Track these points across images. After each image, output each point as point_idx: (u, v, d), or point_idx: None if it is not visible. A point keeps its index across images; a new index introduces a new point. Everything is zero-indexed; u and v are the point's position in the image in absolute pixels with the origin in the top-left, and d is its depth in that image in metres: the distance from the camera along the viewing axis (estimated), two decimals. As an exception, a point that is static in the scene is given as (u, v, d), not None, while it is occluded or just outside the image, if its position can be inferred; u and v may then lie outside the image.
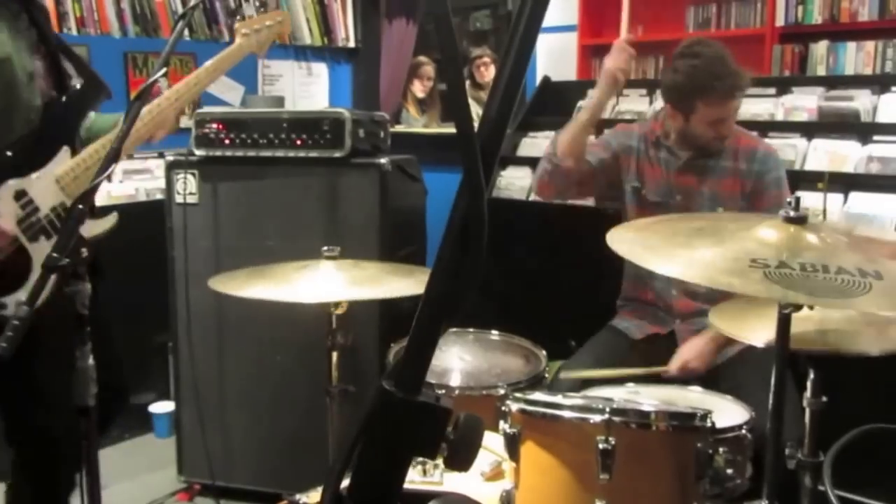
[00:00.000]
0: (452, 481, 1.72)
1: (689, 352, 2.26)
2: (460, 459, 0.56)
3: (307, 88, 4.67)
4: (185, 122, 2.95)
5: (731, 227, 1.47)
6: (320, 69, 4.70)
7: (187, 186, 2.80)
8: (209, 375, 2.87)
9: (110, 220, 1.96)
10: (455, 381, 2.28)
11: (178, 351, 2.90)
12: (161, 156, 3.03)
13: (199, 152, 2.78)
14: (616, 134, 2.59)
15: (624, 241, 1.51)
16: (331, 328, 2.11)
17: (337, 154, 2.69)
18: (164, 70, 1.48)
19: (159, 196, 3.28)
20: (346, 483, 0.57)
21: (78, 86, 2.01)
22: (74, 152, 1.97)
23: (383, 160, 2.71)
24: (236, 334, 2.84)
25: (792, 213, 1.42)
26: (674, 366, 2.23)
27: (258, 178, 2.78)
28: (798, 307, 1.44)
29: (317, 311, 2.11)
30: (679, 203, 2.42)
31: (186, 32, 3.96)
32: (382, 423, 0.54)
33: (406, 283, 2.10)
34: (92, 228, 1.89)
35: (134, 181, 3.57)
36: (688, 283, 2.32)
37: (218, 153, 2.76)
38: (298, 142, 2.70)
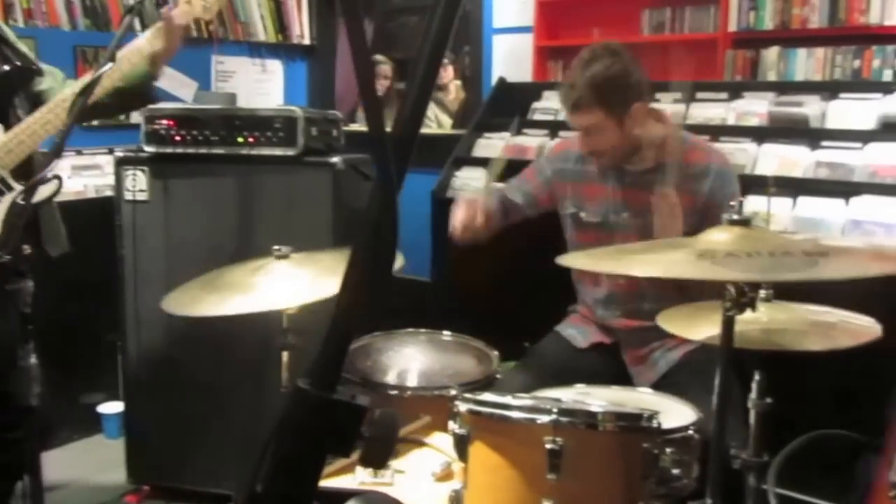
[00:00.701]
0: (403, 482, 1.72)
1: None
2: (375, 457, 0.56)
3: (262, 86, 4.62)
4: (136, 117, 2.90)
5: (676, 241, 1.49)
6: (275, 66, 4.66)
7: (137, 183, 2.75)
8: (159, 375, 2.82)
9: (52, 187, 1.92)
10: (407, 381, 2.27)
11: (128, 350, 2.85)
12: (111, 152, 2.97)
13: (149, 149, 2.73)
14: (552, 159, 2.52)
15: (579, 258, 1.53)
16: (282, 328, 2.09)
17: (290, 152, 2.66)
18: (109, 65, 1.45)
19: (109, 193, 3.22)
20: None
21: (7, 67, 2.04)
22: (8, 128, 2.01)
23: (336, 159, 2.69)
24: (187, 333, 2.79)
25: (736, 216, 1.43)
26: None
27: (210, 175, 2.75)
28: (742, 309, 1.46)
29: (269, 311, 2.09)
30: (626, 220, 2.32)
31: (138, 26, 3.89)
32: (297, 422, 0.54)
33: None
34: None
35: (83, 177, 3.50)
36: (629, 303, 2.32)
37: (169, 150, 2.72)
38: (251, 139, 2.67)
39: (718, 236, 1.45)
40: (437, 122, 5.67)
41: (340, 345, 0.54)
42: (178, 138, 2.71)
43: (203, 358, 2.79)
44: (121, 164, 2.77)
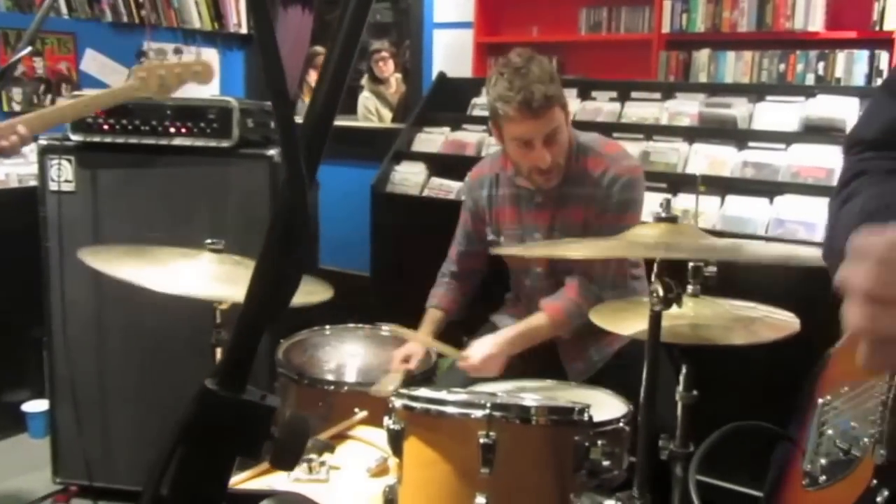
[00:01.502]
0: (338, 477, 1.71)
1: (481, 352, 2.20)
2: (284, 459, 0.55)
3: (197, 75, 4.53)
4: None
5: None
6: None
7: (62, 173, 2.67)
8: (87, 372, 2.75)
9: None
10: (344, 376, 2.27)
11: (53, 346, 2.77)
12: (35, 139, 2.88)
13: (75, 137, 2.65)
14: (469, 189, 2.46)
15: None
16: (215, 324, 2.06)
17: (224, 144, 2.62)
18: (28, 49, 1.40)
19: (33, 183, 3.12)
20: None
21: None
22: None
23: (274, 151, 2.66)
24: (116, 329, 2.73)
25: (664, 214, 1.47)
26: (465, 364, 2.19)
27: (140, 166, 2.68)
28: (669, 304, 1.50)
29: (201, 306, 2.05)
30: (538, 240, 2.30)
31: (65, 10, 3.77)
32: (204, 423, 0.53)
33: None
34: None
35: (5, 166, 3.38)
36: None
37: (96, 139, 2.65)
38: (183, 130, 2.62)
39: (647, 231, 1.48)
40: (378, 115, 5.65)
41: (249, 343, 0.54)
42: (106, 127, 2.64)
43: (132, 354, 2.73)
44: (45, 152, 2.69)
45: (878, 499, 0.81)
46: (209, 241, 2.06)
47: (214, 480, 0.54)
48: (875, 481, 0.84)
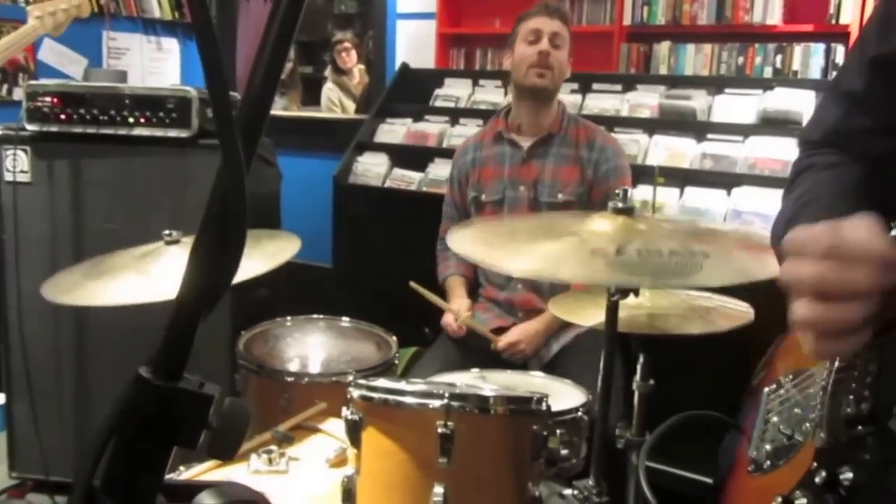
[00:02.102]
0: (298, 468, 1.71)
1: (520, 333, 2.35)
2: (223, 448, 0.55)
3: (157, 65, 4.47)
4: (17, 93, 2.76)
5: (565, 223, 1.53)
6: (171, 45, 4.52)
7: (18, 164, 2.62)
8: (44, 366, 2.71)
9: None
10: (304, 368, 2.26)
11: (10, 340, 2.72)
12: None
13: (31, 127, 2.60)
14: (455, 161, 2.66)
15: (465, 241, 1.55)
16: (174, 316, 2.04)
17: (183, 134, 2.59)
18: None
19: (-13, 173, 3.05)
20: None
21: None
22: None
23: (234, 142, 2.63)
24: (73, 322, 2.69)
25: (620, 205, 1.49)
26: (502, 343, 2.32)
27: (98, 156, 2.64)
28: (626, 294, 1.52)
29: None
30: (522, 194, 2.46)
31: (22, -1, 3.70)
32: (138, 412, 0.52)
33: (253, 265, 2.05)
34: None
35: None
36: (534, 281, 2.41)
37: (53, 129, 2.60)
38: (142, 120, 2.58)
39: (602, 225, 1.50)
40: (341, 106, 5.63)
41: (185, 331, 0.53)
42: (63, 117, 2.59)
43: (91, 347, 2.70)
44: (0, 143, 2.64)
45: (817, 479, 0.84)
46: (166, 232, 2.03)
47: (150, 471, 0.53)
48: (815, 464, 0.87)
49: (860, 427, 0.81)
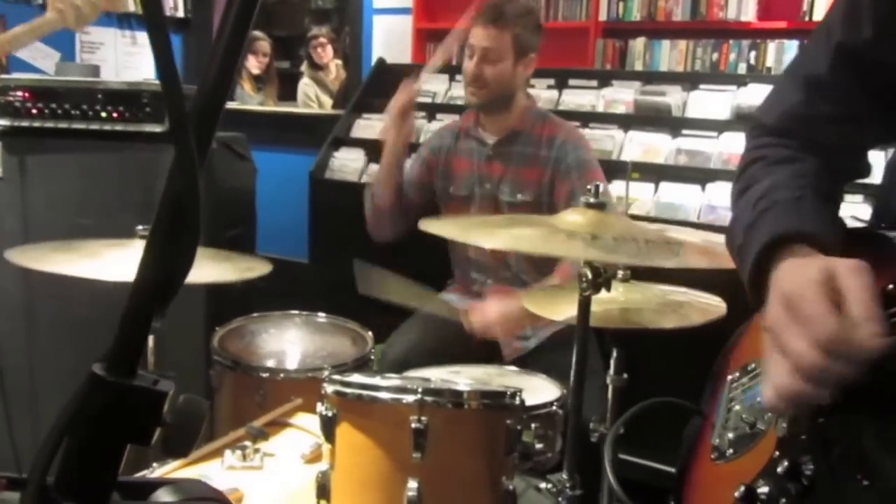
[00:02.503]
0: (273, 464, 1.71)
1: (496, 314, 2.25)
2: (178, 445, 0.54)
3: (132, 59, 4.44)
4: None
5: (539, 218, 1.54)
6: (146, 39, 4.47)
7: (-12, 159, 2.59)
8: (16, 362, 2.68)
9: None
10: (280, 364, 2.26)
11: (-19, 337, 2.70)
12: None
13: (2, 122, 2.58)
14: (430, 140, 2.64)
15: (440, 225, 1.56)
16: (147, 312, 2.03)
17: (157, 129, 2.58)
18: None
19: (-42, 169, 3.02)
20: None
21: None
22: None
23: (208, 137, 2.62)
24: (46, 318, 2.67)
25: (592, 200, 1.50)
26: (473, 326, 2.25)
27: (71, 152, 2.62)
28: (598, 288, 1.53)
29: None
30: (487, 191, 2.45)
31: (-7, -8, 3.65)
32: (91, 410, 0.52)
33: (229, 267, 2.05)
34: None
35: (-71, 152, 3.27)
36: (499, 271, 2.41)
37: (24, 124, 2.57)
38: (115, 115, 2.57)
39: (574, 217, 1.51)
40: (318, 102, 5.60)
41: (138, 327, 0.53)
42: (34, 111, 2.57)
43: (62, 344, 2.67)
44: (-30, 138, 2.61)
45: (779, 469, 0.84)
46: (140, 227, 2.02)
47: (103, 468, 0.52)
48: (777, 453, 0.88)
49: (821, 418, 0.81)
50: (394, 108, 2.42)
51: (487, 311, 2.25)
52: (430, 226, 1.51)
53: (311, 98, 5.59)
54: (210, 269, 2.04)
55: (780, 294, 0.77)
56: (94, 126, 2.58)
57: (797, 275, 0.77)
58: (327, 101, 5.58)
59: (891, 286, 0.75)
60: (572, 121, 3.39)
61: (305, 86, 5.64)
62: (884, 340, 0.70)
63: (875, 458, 0.74)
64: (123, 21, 4.31)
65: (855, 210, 1.01)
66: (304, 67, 5.87)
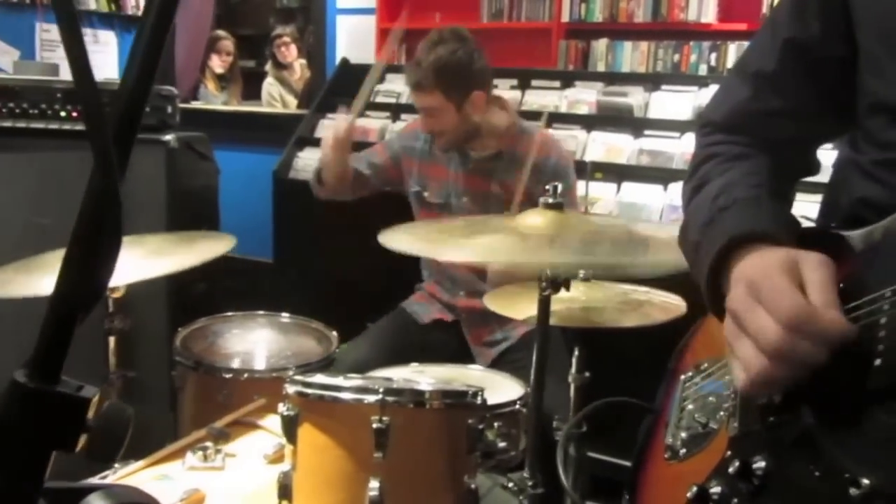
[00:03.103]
0: (234, 465, 1.70)
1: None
2: (102, 452, 0.54)
3: (94, 58, 4.27)
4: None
5: (496, 221, 1.56)
6: (108, 38, 4.41)
7: (-57, 158, 2.55)
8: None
9: None
10: (244, 364, 2.24)
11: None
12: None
13: (-42, 121, 2.54)
14: (402, 136, 2.57)
15: (404, 238, 1.57)
16: (107, 312, 2.01)
17: (118, 129, 2.55)
18: None
19: (-88, 168, 2.95)
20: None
21: None
22: None
23: (170, 137, 2.61)
24: (2, 318, 2.62)
25: (551, 200, 1.51)
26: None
27: (29, 151, 2.58)
28: (557, 287, 1.55)
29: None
30: (465, 204, 2.40)
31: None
32: (13, 417, 0.51)
33: (188, 257, 2.03)
34: None
35: None
36: (474, 283, 2.40)
37: (-19, 123, 2.54)
38: (74, 114, 2.54)
39: (534, 220, 1.52)
40: (282, 101, 5.57)
41: (60, 334, 0.52)
42: (-8, 111, 2.53)
43: (20, 344, 2.63)
44: (-74, 137, 2.56)
45: (730, 469, 0.84)
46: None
47: (28, 476, 0.51)
48: (729, 452, 0.88)
49: (772, 417, 0.82)
50: (325, 144, 2.32)
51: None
52: (390, 240, 1.52)
53: (275, 98, 5.56)
54: (173, 256, 2.02)
55: (744, 277, 0.77)
56: (53, 125, 2.55)
57: (761, 261, 0.78)
58: (291, 101, 5.55)
59: (841, 284, 0.76)
60: (535, 121, 3.43)
61: (269, 85, 5.61)
62: (848, 325, 0.71)
63: (824, 455, 0.75)
64: (85, 19, 4.25)
65: (807, 209, 1.02)
66: (268, 67, 5.84)
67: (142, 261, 1.99)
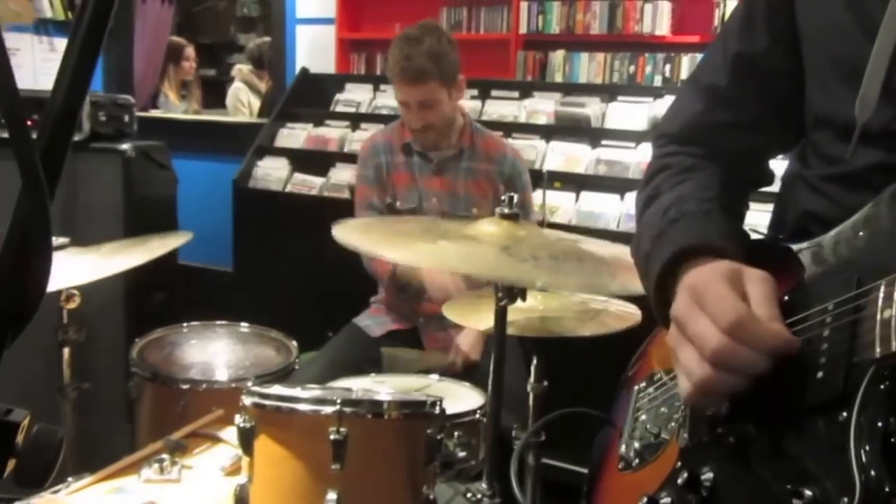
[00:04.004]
0: (191, 477, 1.69)
1: (466, 343, 2.32)
2: (30, 477, 0.53)
3: (50, 65, 4.31)
4: None
5: (453, 226, 1.56)
6: (65, 45, 4.36)
7: None
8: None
9: None
10: (202, 374, 2.22)
11: None
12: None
13: None
14: (365, 161, 2.54)
15: (353, 233, 1.56)
16: (61, 323, 1.99)
17: (74, 138, 2.51)
18: None
19: None
20: None
21: None
22: None
23: (126, 146, 2.59)
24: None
25: (507, 210, 1.53)
26: (458, 360, 2.30)
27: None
28: (514, 297, 1.57)
29: (45, 304, 1.96)
30: (435, 206, 2.44)
31: None
32: None
33: (142, 254, 2.01)
34: None
35: None
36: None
37: (-68, 132, 2.48)
38: (29, 122, 2.49)
39: (488, 227, 1.54)
40: (249, 108, 5.53)
41: None
42: (-57, 120, 2.48)
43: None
44: None
45: (679, 480, 0.84)
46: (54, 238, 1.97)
47: None
48: (679, 463, 0.88)
49: (719, 428, 0.82)
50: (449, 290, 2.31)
51: (462, 347, 2.31)
52: (342, 232, 1.51)
53: (244, 103, 5.51)
54: (126, 257, 2.00)
55: (687, 286, 0.78)
56: (5, 134, 2.51)
57: (706, 271, 0.79)
58: (258, 105, 5.52)
59: (787, 297, 0.77)
60: (496, 130, 3.46)
61: (238, 90, 5.56)
62: (791, 336, 0.72)
63: (768, 467, 0.75)
64: (41, 27, 4.19)
65: (759, 220, 1.03)
66: (234, 71, 5.80)
67: (94, 263, 1.96)
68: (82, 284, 1.92)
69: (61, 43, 4.31)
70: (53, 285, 1.88)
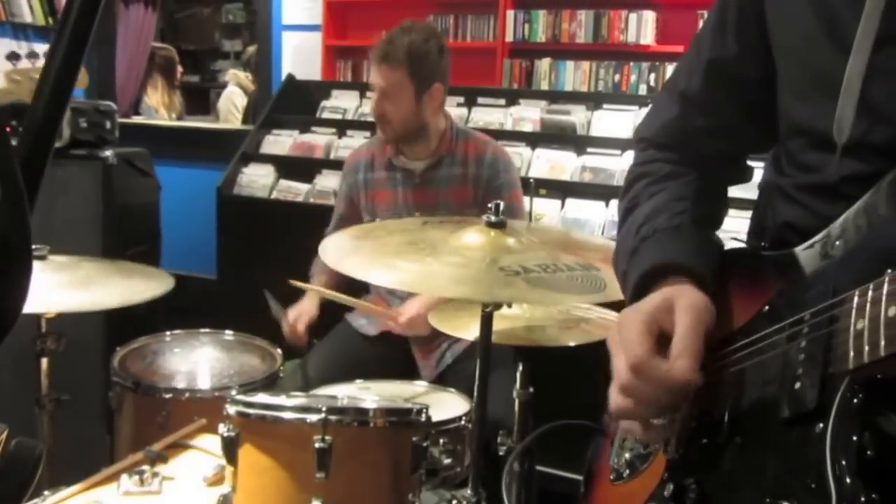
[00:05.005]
0: (172, 488, 1.66)
1: (409, 312, 2.28)
2: (6, 491, 0.52)
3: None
4: None
5: (438, 236, 1.55)
6: (44, 51, 4.32)
7: None
8: None
9: None
10: (185, 383, 2.20)
11: None
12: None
13: None
14: (345, 174, 2.54)
15: (336, 253, 1.55)
16: (39, 333, 1.96)
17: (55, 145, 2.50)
18: None
19: None
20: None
21: None
22: None
23: (108, 153, 2.56)
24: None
25: (493, 219, 1.52)
26: (402, 319, 2.27)
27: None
28: (499, 305, 1.56)
29: (23, 315, 1.94)
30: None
31: None
32: None
33: (130, 286, 1.99)
34: None
35: None
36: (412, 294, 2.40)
37: (-90, 138, 2.45)
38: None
39: (475, 238, 1.53)
40: (243, 112, 5.50)
41: None
42: (-79, 126, 2.45)
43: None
44: None
45: (666, 492, 0.85)
46: (34, 246, 1.95)
47: None
48: (666, 475, 0.88)
49: (705, 439, 0.83)
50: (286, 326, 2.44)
51: (406, 314, 2.27)
52: (328, 254, 1.51)
53: (237, 108, 5.49)
54: (109, 289, 1.98)
55: (616, 321, 0.87)
56: (-14, 141, 2.48)
57: (642, 303, 0.86)
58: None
59: (767, 307, 0.79)
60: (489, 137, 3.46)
61: (232, 94, 5.54)
62: (691, 375, 0.78)
63: (748, 480, 0.75)
64: (19, 32, 4.15)
65: (739, 225, 1.04)
66: (230, 74, 5.79)
67: (73, 290, 1.93)
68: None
69: (41, 49, 4.27)
70: (27, 307, 1.84)
